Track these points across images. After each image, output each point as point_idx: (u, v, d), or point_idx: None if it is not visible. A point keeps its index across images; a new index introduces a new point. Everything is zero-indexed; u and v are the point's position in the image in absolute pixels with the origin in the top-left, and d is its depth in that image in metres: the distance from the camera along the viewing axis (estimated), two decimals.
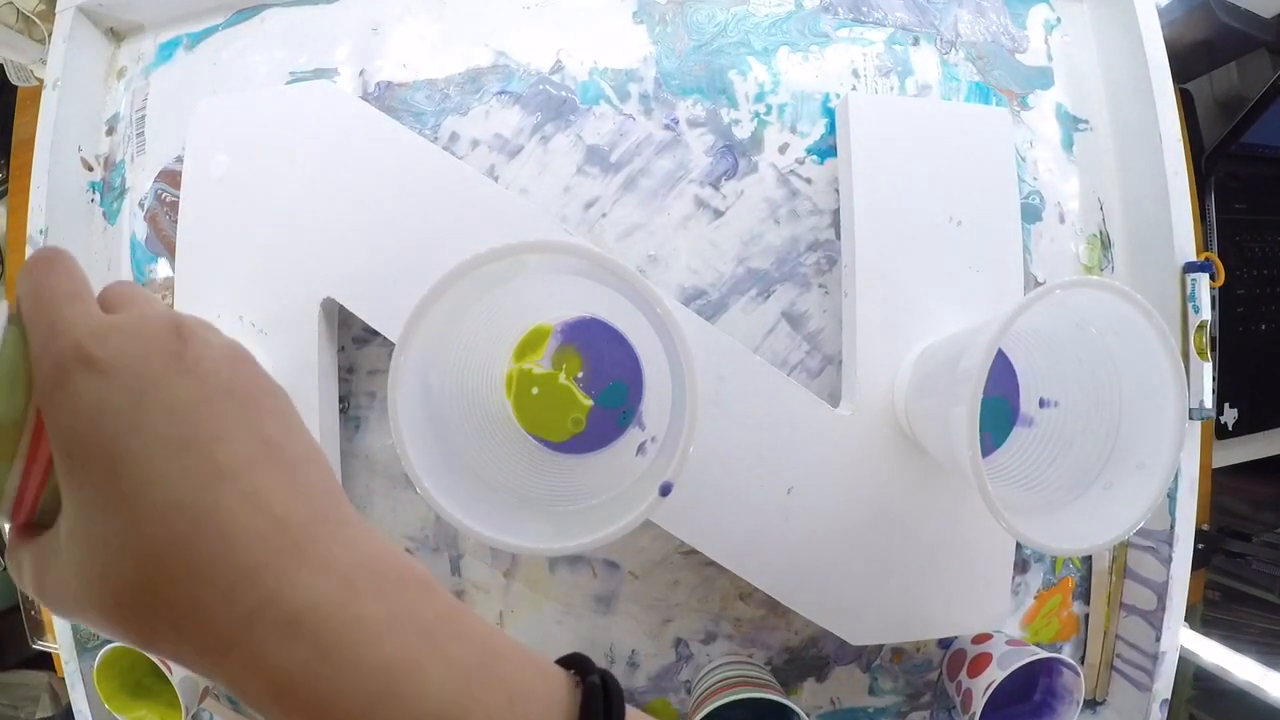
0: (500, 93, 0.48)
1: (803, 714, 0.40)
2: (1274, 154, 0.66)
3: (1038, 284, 0.49)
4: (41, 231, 0.51)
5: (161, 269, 0.52)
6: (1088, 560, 0.51)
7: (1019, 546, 0.48)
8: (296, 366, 0.44)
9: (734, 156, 0.47)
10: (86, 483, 0.16)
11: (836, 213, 0.47)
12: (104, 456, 0.16)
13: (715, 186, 0.47)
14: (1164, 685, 0.48)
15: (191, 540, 0.16)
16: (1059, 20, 0.51)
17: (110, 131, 0.55)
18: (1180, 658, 0.49)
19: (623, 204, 0.47)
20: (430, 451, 0.35)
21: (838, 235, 0.47)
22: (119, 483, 0.16)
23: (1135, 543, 0.51)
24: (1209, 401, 0.47)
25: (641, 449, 0.41)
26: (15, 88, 0.64)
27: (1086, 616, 0.52)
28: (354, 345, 0.48)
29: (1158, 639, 0.48)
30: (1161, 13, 0.50)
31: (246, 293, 0.45)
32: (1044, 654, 0.44)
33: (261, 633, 0.15)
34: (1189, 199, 0.48)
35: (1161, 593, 0.48)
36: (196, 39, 0.53)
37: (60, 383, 0.17)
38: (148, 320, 0.19)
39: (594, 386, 0.44)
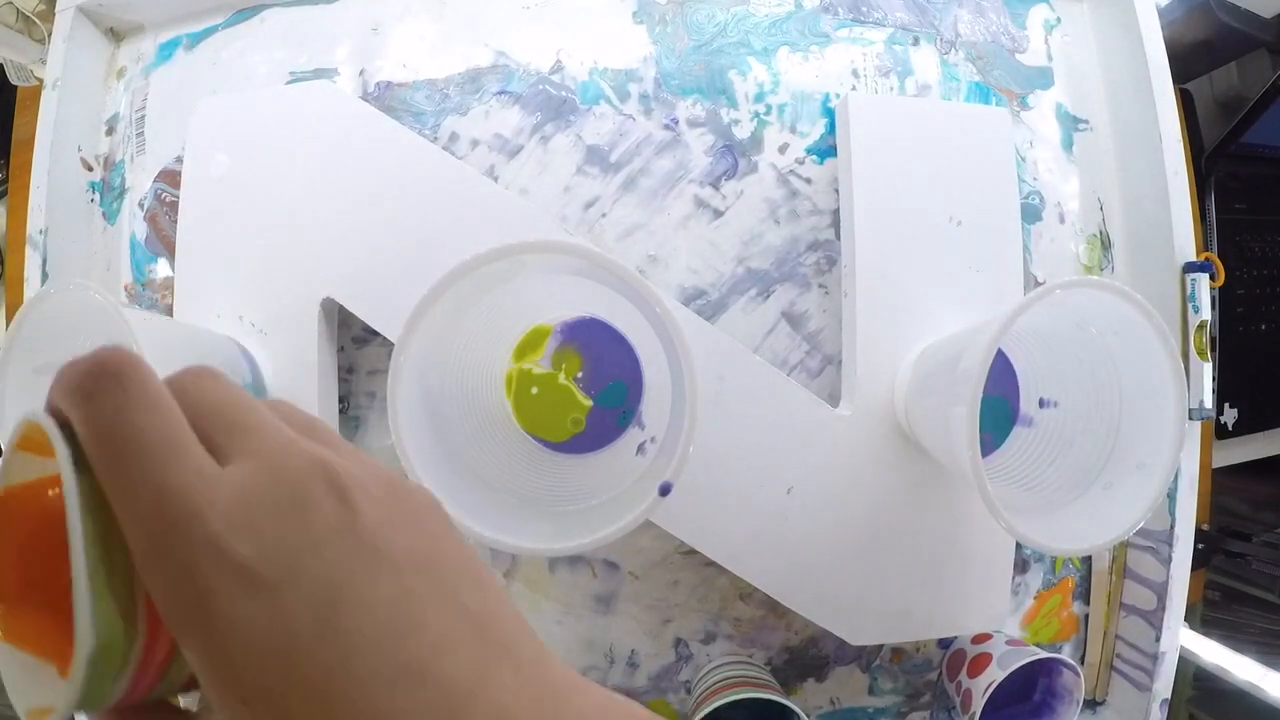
0: (500, 93, 0.48)
1: (802, 714, 0.40)
2: (1274, 154, 0.66)
3: (1038, 284, 0.49)
4: (41, 231, 0.51)
5: (161, 269, 0.52)
6: (1088, 560, 0.51)
7: (1019, 546, 0.48)
8: (296, 366, 0.44)
9: (734, 156, 0.47)
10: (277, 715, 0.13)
11: (836, 213, 0.47)
12: (304, 696, 0.13)
13: (715, 186, 0.47)
14: (1164, 685, 0.48)
15: None
16: (1059, 20, 0.51)
17: (110, 131, 0.55)
18: (1180, 658, 0.49)
19: (623, 204, 0.47)
20: (430, 451, 0.35)
21: (838, 235, 0.47)
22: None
23: (1135, 543, 0.51)
24: (1209, 401, 0.47)
25: (641, 449, 0.41)
26: (15, 88, 0.64)
27: (1086, 616, 0.52)
28: (354, 345, 0.48)
29: (1158, 639, 0.48)
30: (1161, 13, 0.50)
31: (246, 293, 0.45)
32: (1044, 654, 0.44)
33: None
34: (1189, 199, 0.48)
35: (1161, 593, 0.48)
36: (196, 39, 0.53)
37: (206, 609, 0.13)
38: (295, 485, 0.14)
39: (594, 386, 0.44)
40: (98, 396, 0.14)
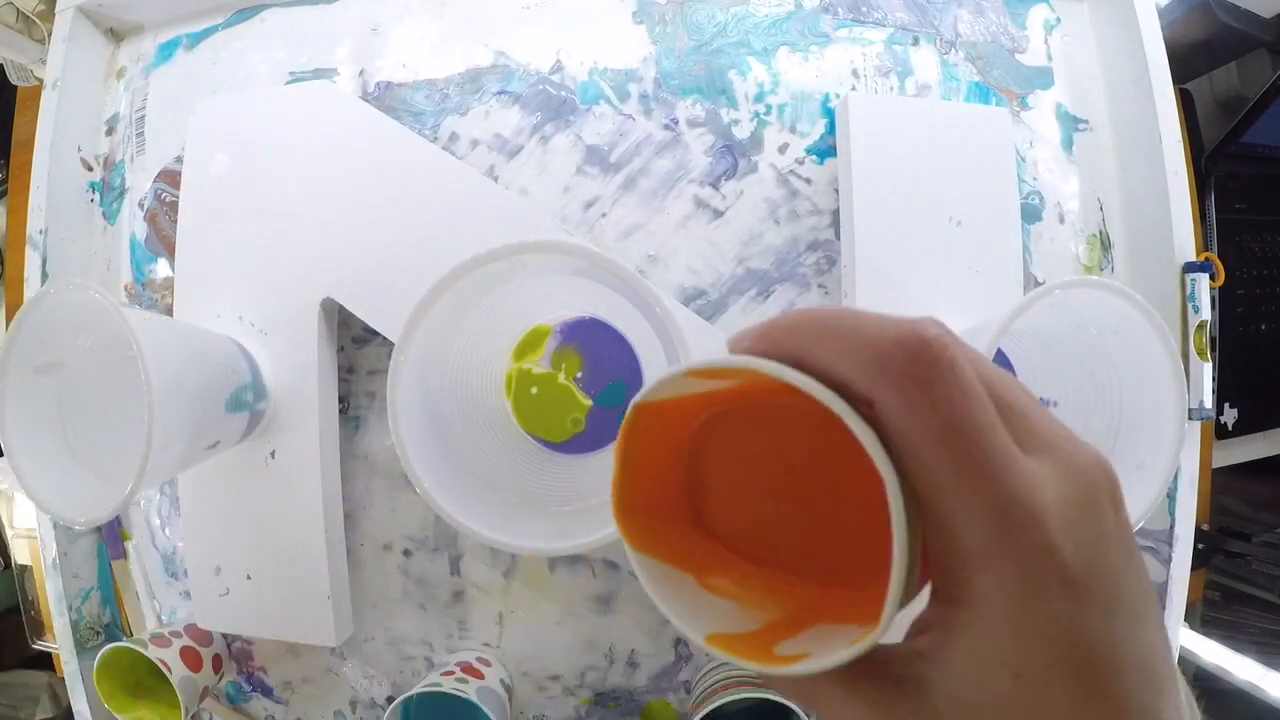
0: (500, 93, 0.48)
1: (802, 714, 0.40)
2: (1274, 154, 0.66)
3: (1038, 284, 0.49)
4: (41, 231, 0.51)
5: (161, 269, 0.52)
6: None
7: None
8: (296, 366, 0.44)
9: (734, 156, 0.47)
10: (1043, 696, 0.14)
11: (836, 213, 0.47)
12: (1073, 674, 0.14)
13: (715, 186, 0.47)
14: None
15: None
16: (1059, 20, 0.51)
17: (110, 131, 0.55)
18: (1180, 658, 0.49)
19: (622, 204, 0.47)
20: (430, 451, 0.35)
21: (837, 235, 0.47)
22: (1090, 702, 0.14)
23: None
24: (1209, 401, 0.47)
25: None
26: (15, 88, 0.64)
27: None
28: (354, 345, 0.48)
29: None
30: (1161, 13, 0.50)
31: (246, 293, 0.45)
32: None
33: None
34: (1189, 199, 0.48)
35: (1161, 593, 0.48)
36: (196, 39, 0.54)
37: (1032, 602, 0.14)
38: (1091, 487, 0.15)
39: (593, 386, 0.44)
40: (939, 386, 0.14)
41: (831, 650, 0.15)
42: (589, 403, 0.44)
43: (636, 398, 0.17)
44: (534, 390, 0.44)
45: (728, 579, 0.18)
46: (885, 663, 0.16)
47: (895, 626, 0.15)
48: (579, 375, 0.44)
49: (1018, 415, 0.15)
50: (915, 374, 0.14)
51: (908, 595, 0.14)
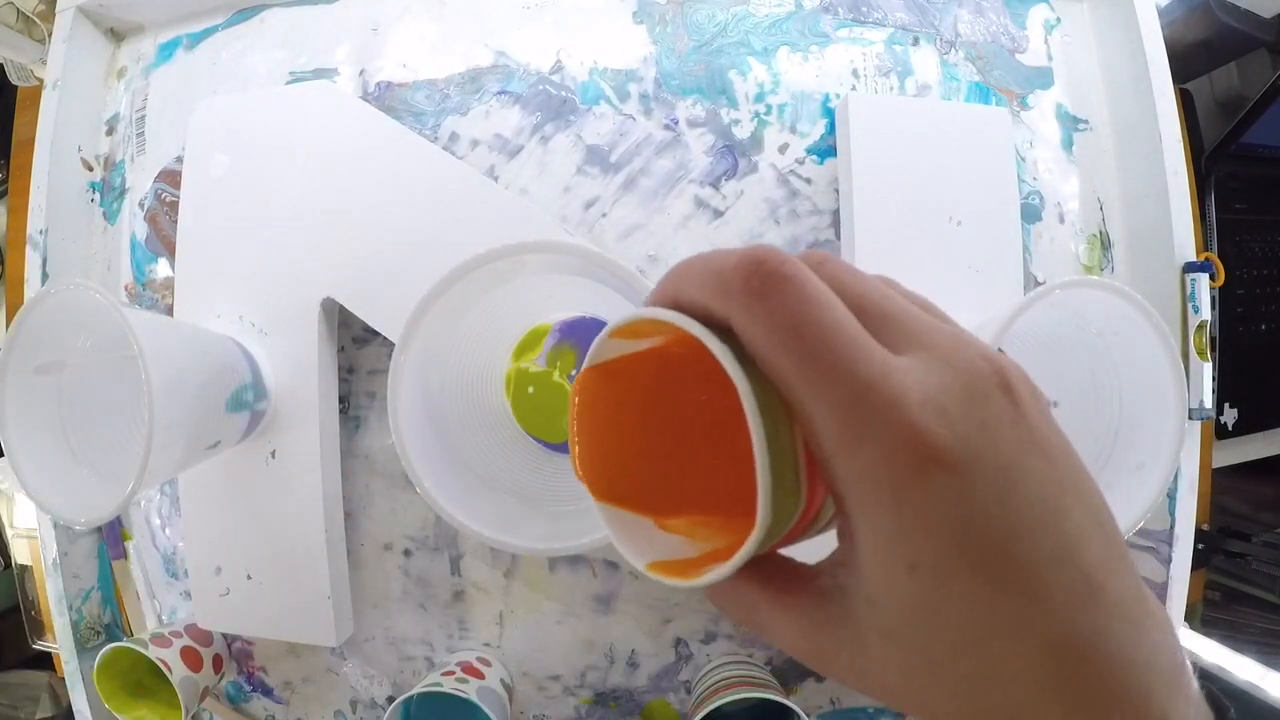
0: (500, 93, 0.48)
1: (803, 714, 0.40)
2: (1274, 154, 0.66)
3: (1038, 284, 0.49)
4: (42, 231, 0.51)
5: (161, 269, 0.52)
6: None
7: None
8: (296, 366, 0.44)
9: (734, 156, 0.47)
10: (941, 589, 0.14)
11: (836, 213, 0.47)
12: (969, 565, 0.14)
13: (715, 186, 0.47)
14: None
15: (1090, 663, 0.14)
16: (1059, 20, 0.51)
17: (110, 131, 0.55)
18: None
19: (623, 204, 0.47)
20: (430, 451, 0.35)
21: (838, 235, 0.47)
22: (997, 595, 0.14)
23: (1135, 543, 0.51)
24: (1209, 401, 0.47)
25: None
26: (15, 88, 0.64)
27: None
28: (354, 345, 0.48)
29: None
30: (1161, 13, 0.50)
31: (246, 293, 0.45)
32: None
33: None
34: (1189, 199, 0.48)
35: (1161, 593, 0.48)
36: (196, 39, 0.54)
37: (900, 488, 0.14)
38: (971, 376, 0.15)
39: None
40: (773, 295, 0.15)
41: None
42: None
43: (583, 363, 0.18)
44: (530, 389, 0.44)
45: (682, 521, 0.19)
46: (813, 576, 0.18)
47: (830, 541, 0.17)
48: (574, 372, 0.44)
49: (890, 320, 0.16)
50: (751, 287, 0.15)
51: (790, 499, 0.15)
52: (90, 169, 0.55)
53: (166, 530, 0.53)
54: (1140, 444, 0.37)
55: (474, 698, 0.42)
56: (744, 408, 0.14)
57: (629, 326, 0.17)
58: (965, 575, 0.14)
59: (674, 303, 0.16)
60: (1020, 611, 0.14)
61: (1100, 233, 0.51)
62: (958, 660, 0.15)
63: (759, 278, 0.15)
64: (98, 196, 0.55)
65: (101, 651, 0.46)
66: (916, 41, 0.49)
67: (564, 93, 0.48)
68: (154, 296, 0.53)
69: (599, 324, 0.44)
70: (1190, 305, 0.47)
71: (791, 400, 0.15)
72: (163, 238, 0.52)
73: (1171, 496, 0.47)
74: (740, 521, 0.16)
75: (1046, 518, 0.14)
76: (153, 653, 0.45)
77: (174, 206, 0.50)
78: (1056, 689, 0.14)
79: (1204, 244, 0.60)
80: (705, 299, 0.16)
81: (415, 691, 0.42)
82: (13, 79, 0.63)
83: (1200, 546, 0.49)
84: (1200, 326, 0.47)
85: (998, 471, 0.14)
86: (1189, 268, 0.47)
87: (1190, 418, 0.46)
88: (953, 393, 0.15)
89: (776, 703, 0.41)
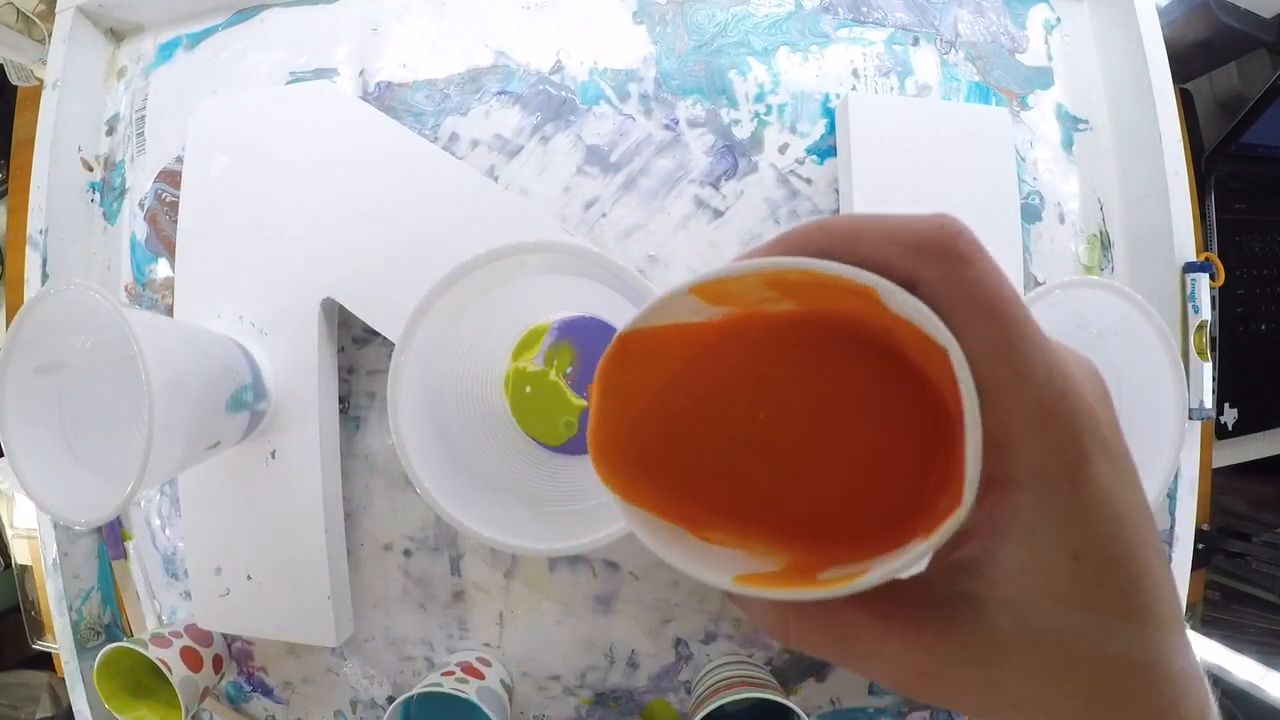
0: (500, 93, 0.48)
1: (803, 714, 0.40)
2: (1274, 154, 0.66)
3: (1038, 284, 0.49)
4: (42, 231, 0.51)
5: (161, 269, 0.52)
6: None
7: None
8: (296, 366, 0.44)
9: (734, 156, 0.47)
10: (1098, 577, 0.14)
11: (836, 213, 0.47)
12: (1124, 561, 0.14)
13: (715, 186, 0.47)
14: None
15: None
16: (1059, 20, 0.51)
17: (110, 131, 0.55)
18: None
19: (623, 204, 0.47)
20: (430, 452, 0.35)
21: None
22: (1134, 596, 0.14)
23: None
24: (1209, 401, 0.47)
25: None
26: (15, 88, 0.64)
27: None
28: (354, 345, 0.48)
29: None
30: (1161, 13, 0.50)
31: (246, 293, 0.45)
32: None
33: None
34: (1189, 199, 0.48)
35: None
36: (196, 39, 0.54)
37: (1081, 471, 0.14)
38: (1100, 376, 0.15)
39: (587, 384, 0.44)
40: (979, 260, 0.14)
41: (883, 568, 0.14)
42: (581, 403, 0.44)
43: (625, 326, 0.16)
44: (528, 389, 0.44)
45: (719, 533, 0.17)
46: (921, 590, 0.16)
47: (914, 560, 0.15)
48: (570, 370, 0.44)
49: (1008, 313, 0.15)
50: (959, 249, 0.14)
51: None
52: (90, 169, 0.55)
53: (166, 530, 0.53)
54: (1140, 444, 0.37)
55: (474, 698, 0.42)
56: (958, 378, 0.13)
57: (721, 280, 0.15)
58: (1123, 565, 0.14)
59: (825, 257, 0.15)
60: (1143, 606, 0.14)
61: (1100, 233, 0.51)
62: (1095, 660, 0.14)
63: (965, 240, 0.14)
64: (98, 196, 0.55)
65: (101, 652, 0.46)
66: (916, 41, 0.49)
67: (564, 93, 0.48)
68: (154, 296, 0.53)
69: (598, 323, 0.44)
70: (1190, 305, 0.47)
71: (978, 369, 0.14)
72: (163, 238, 0.52)
73: (1172, 496, 0.47)
74: (792, 533, 0.15)
75: (1149, 514, 0.15)
76: (153, 653, 0.45)
77: (174, 207, 0.50)
78: (1142, 699, 0.14)
79: (1204, 244, 0.60)
80: (888, 255, 0.15)
81: (415, 692, 0.42)
82: (13, 79, 0.63)
83: (1200, 546, 0.49)
84: (1200, 326, 0.47)
85: (1134, 467, 0.15)
86: (1189, 268, 0.47)
87: (1190, 418, 0.46)
88: (1098, 383, 0.15)
89: (776, 703, 0.41)
